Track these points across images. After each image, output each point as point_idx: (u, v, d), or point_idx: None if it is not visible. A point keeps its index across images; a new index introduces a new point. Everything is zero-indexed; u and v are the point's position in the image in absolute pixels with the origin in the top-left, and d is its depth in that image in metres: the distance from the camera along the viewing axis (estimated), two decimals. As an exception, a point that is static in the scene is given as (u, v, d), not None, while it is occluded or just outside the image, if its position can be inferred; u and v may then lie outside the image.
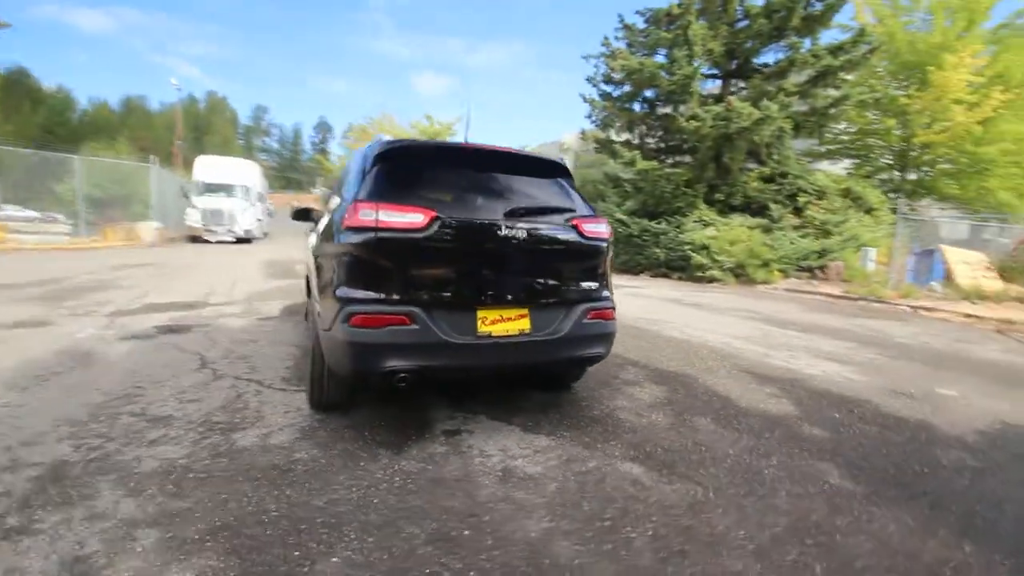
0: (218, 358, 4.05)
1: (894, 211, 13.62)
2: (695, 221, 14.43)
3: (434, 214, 2.49)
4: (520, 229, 2.66)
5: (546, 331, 2.73)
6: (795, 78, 14.86)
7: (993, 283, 11.38)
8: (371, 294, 2.47)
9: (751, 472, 2.55)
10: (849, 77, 13.92)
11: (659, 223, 15.04)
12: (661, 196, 15.54)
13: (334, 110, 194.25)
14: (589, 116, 17.09)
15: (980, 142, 13.56)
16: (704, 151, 14.87)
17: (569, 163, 42.52)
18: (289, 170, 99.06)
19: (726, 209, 15.13)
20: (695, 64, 14.49)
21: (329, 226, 2.83)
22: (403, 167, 2.72)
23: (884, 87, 15.14)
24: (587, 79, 18.07)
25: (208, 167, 19.44)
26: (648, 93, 16.99)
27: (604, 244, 2.98)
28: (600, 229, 2.94)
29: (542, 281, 2.77)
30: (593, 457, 2.63)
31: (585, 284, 2.91)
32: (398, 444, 2.67)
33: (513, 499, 2.20)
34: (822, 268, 13.22)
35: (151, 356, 4.03)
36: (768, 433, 3.07)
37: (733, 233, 13.62)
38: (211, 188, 18.74)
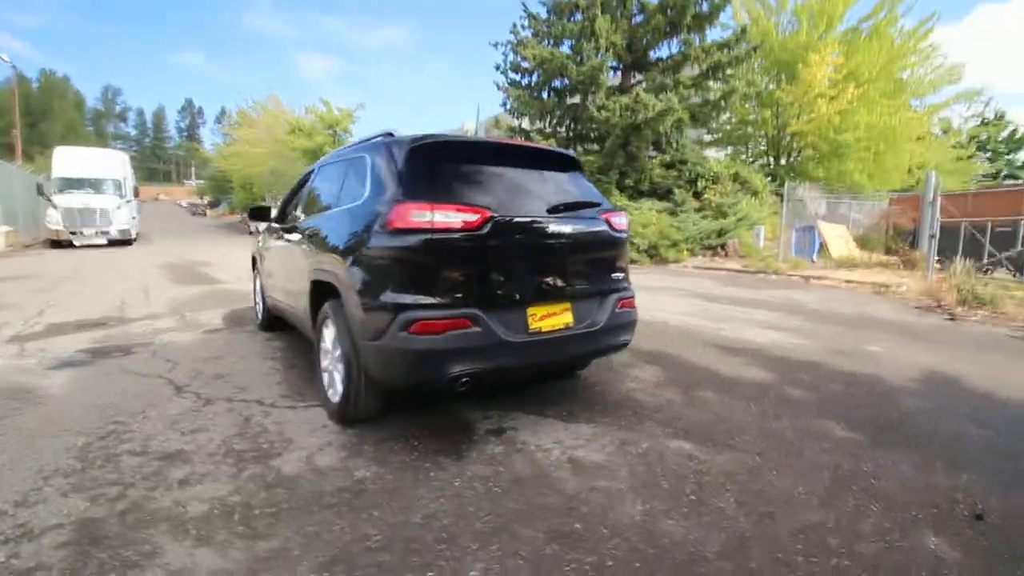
0: (191, 380, 3.60)
1: (777, 193, 15.48)
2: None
3: (488, 213, 2.44)
4: (565, 224, 2.70)
5: (586, 323, 2.81)
6: (688, 72, 16.21)
7: (856, 252, 13.47)
8: (428, 299, 2.38)
9: (775, 435, 2.87)
10: (733, 72, 15.36)
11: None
12: (577, 183, 16.14)
13: (204, 92, 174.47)
14: (504, 104, 17.14)
15: (839, 130, 15.81)
16: (613, 140, 15.66)
17: None
18: (151, 159, 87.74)
19: (635, 194, 16.14)
20: (601, 57, 15.18)
21: (355, 228, 2.63)
22: (437, 163, 2.61)
23: (761, 82, 17.00)
24: (496, 66, 18.23)
25: (69, 160, 16.58)
26: (557, 83, 17.59)
27: (627, 235, 3.12)
28: (624, 221, 3.07)
29: (582, 275, 2.84)
30: (641, 439, 2.78)
31: (614, 275, 3.03)
32: (452, 450, 2.61)
33: (599, 488, 2.28)
34: (722, 246, 14.66)
35: (105, 385, 3.48)
36: (764, 399, 3.44)
37: (644, 217, 14.58)
38: (72, 184, 16.05)
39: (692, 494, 2.24)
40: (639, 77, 17.25)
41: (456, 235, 2.39)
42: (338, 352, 2.82)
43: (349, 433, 2.77)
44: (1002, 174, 26.26)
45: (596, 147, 17.14)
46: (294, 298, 3.62)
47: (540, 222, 2.63)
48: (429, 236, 2.36)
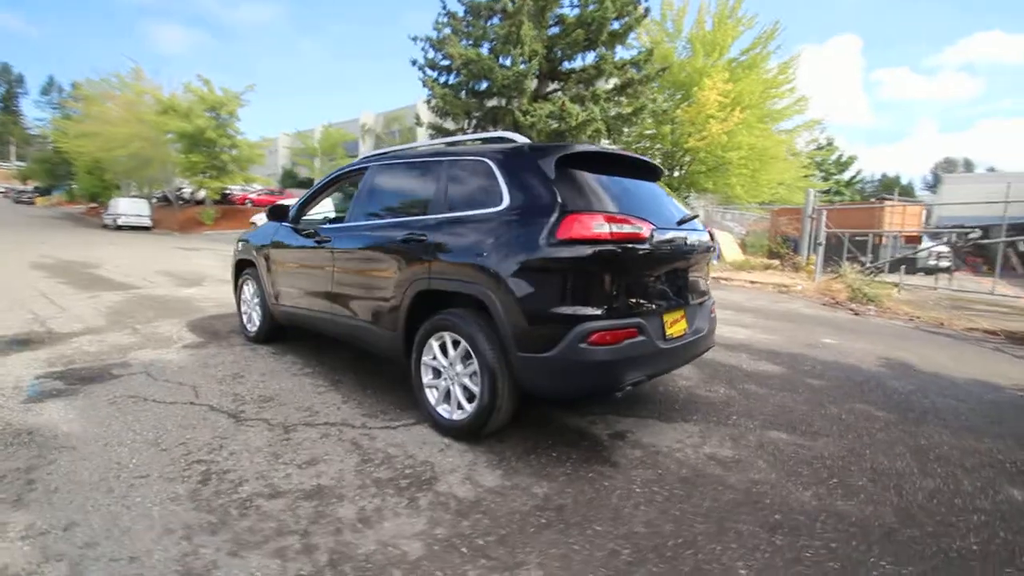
0: (238, 405, 3.12)
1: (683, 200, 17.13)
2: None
3: (652, 225, 2.51)
4: (691, 235, 2.86)
5: (694, 329, 3.00)
6: (600, 85, 17.30)
7: (741, 256, 15.49)
8: (601, 309, 2.38)
9: (838, 420, 3.31)
10: (643, 90, 16.71)
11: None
12: (502, 185, 16.37)
13: (23, 57, 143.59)
14: (428, 101, 16.76)
15: (726, 148, 17.97)
16: (537, 144, 16.13)
17: (370, 146, 41.25)
18: (-59, 133, 70.75)
19: None
20: (526, 64, 15.56)
21: (506, 237, 2.51)
22: (579, 173, 2.61)
23: (663, 100, 18.69)
24: (412, 61, 17.78)
25: None
26: (478, 85, 17.67)
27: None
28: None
29: (693, 283, 3.01)
30: (744, 433, 3.05)
31: (707, 282, 3.26)
32: (598, 457, 2.63)
33: (761, 480, 2.48)
34: (636, 249, 15.88)
35: (132, 417, 2.87)
36: (798, 389, 3.93)
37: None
38: None
39: (834, 476, 2.54)
40: (554, 86, 18.00)
41: (627, 246, 2.42)
42: (464, 368, 2.68)
43: (481, 450, 2.65)
44: (832, 191, 31.87)
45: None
46: (359, 309, 3.31)
47: (679, 233, 2.77)
48: (603, 247, 2.36)
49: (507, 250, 2.49)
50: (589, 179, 2.61)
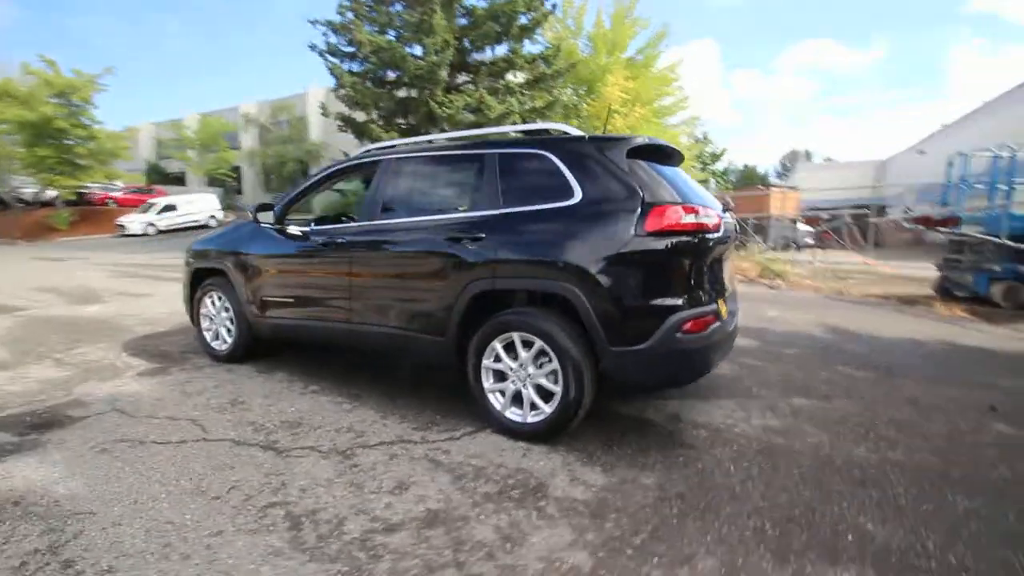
0: (264, 437, 2.72)
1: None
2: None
3: (719, 213, 2.60)
4: (729, 221, 3.00)
5: (732, 311, 3.17)
6: (511, 79, 17.45)
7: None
8: (687, 298, 2.43)
9: (832, 383, 3.72)
10: (555, 84, 17.16)
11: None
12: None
13: None
14: (336, 90, 15.69)
15: (629, 142, 19.14)
16: (454, 137, 15.89)
17: (254, 136, 37.85)
18: None
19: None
20: (440, 55, 15.21)
21: (586, 231, 2.44)
22: (645, 164, 2.62)
23: (571, 95, 19.34)
24: (311, 46, 16.59)
25: None
26: (385, 73, 16.90)
27: None
28: None
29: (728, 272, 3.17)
30: (771, 404, 3.30)
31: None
32: (672, 440, 2.71)
33: (819, 443, 2.71)
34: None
35: (138, 465, 2.38)
36: (779, 359, 4.34)
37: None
38: None
39: (867, 431, 2.86)
40: (464, 78, 17.83)
41: (703, 235, 2.49)
42: (538, 368, 2.59)
43: (562, 450, 2.58)
44: (709, 181, 35.46)
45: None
46: (392, 316, 3.03)
47: (728, 220, 2.90)
48: (686, 237, 2.41)
49: (593, 245, 2.44)
50: (652, 169, 2.64)
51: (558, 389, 2.54)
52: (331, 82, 16.50)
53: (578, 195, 2.55)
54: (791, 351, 4.60)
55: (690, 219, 2.41)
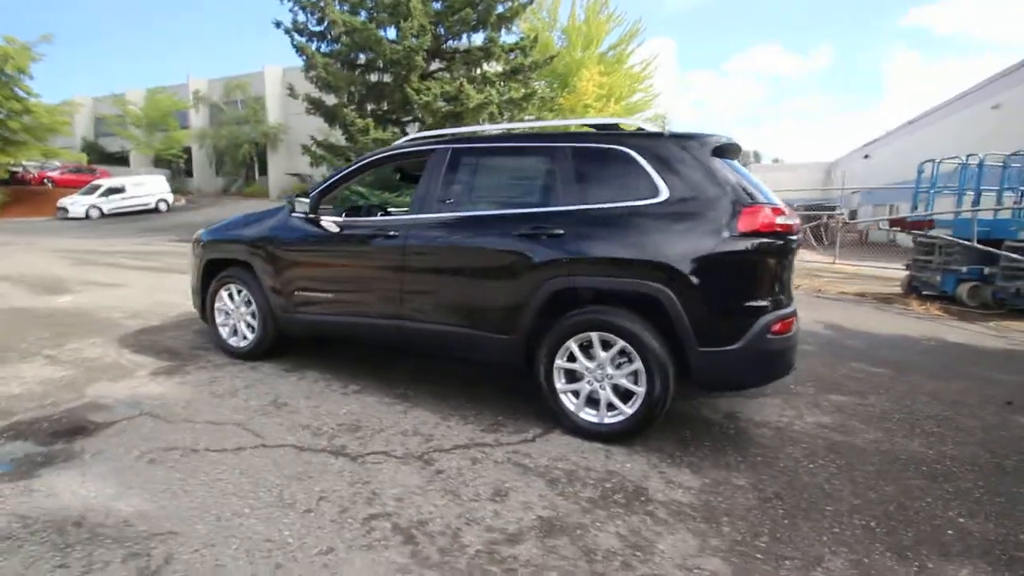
0: (329, 442, 2.56)
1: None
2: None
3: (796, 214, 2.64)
4: None
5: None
6: (487, 68, 17.20)
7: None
8: (773, 300, 2.46)
9: (857, 379, 3.89)
10: (533, 76, 17.07)
11: (399, 195, 15.00)
12: (396, 167, 15.48)
13: None
14: (306, 71, 14.95)
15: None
16: (431, 126, 15.55)
17: (205, 116, 35.94)
18: None
19: (406, 182, 16.40)
20: (418, 40, 14.78)
21: (677, 231, 2.42)
22: (724, 161, 2.61)
23: (546, 88, 19.29)
24: (276, 23, 15.74)
25: None
26: (357, 56, 16.28)
27: None
28: None
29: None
30: (815, 401, 3.41)
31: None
32: (740, 440, 2.74)
33: (875, 439, 2.82)
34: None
35: (201, 476, 2.18)
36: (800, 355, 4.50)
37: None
38: None
39: (912, 427, 3.00)
40: (437, 65, 17.42)
41: (788, 236, 2.52)
42: (617, 369, 2.55)
43: (642, 451, 2.56)
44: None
45: (399, 129, 16.59)
46: (453, 314, 2.91)
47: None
48: (775, 239, 2.43)
49: (684, 244, 2.42)
50: (735, 169, 2.64)
51: (640, 390, 2.51)
52: (291, 61, 15.79)
53: (664, 193, 2.52)
54: (805, 347, 4.77)
55: (780, 220, 2.43)
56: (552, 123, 3.26)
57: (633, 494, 2.18)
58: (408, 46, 14.71)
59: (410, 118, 16.65)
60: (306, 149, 16.50)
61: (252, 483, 2.15)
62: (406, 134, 16.45)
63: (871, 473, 2.45)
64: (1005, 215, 7.49)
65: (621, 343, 2.53)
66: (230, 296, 3.78)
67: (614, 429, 2.58)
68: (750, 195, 2.47)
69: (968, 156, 7.66)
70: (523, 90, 16.79)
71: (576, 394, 2.69)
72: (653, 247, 2.45)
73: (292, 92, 15.60)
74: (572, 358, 2.67)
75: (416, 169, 3.99)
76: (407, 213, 3.14)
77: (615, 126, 2.88)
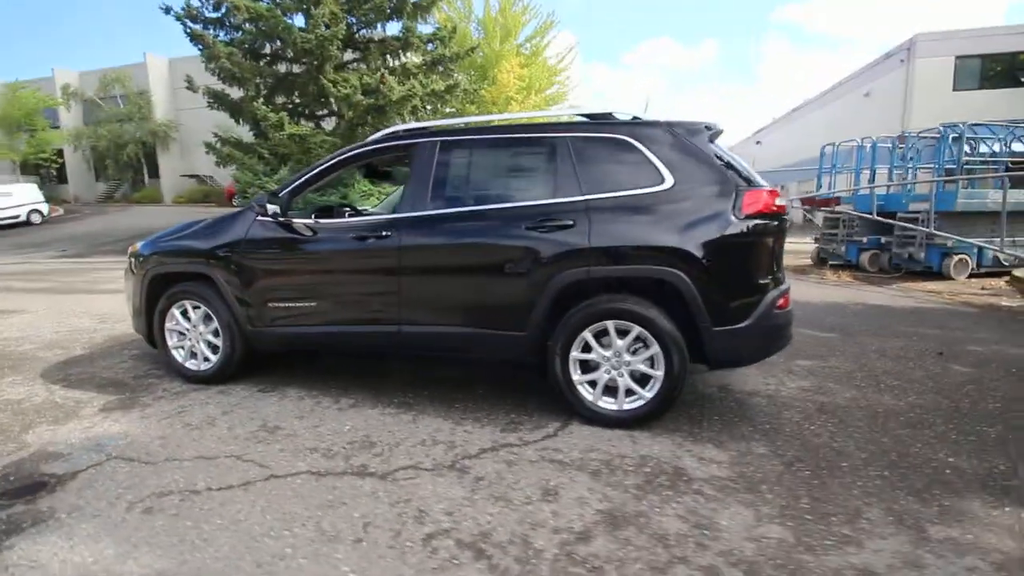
0: (347, 464, 2.36)
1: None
2: (361, 193, 14.50)
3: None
4: None
5: None
6: (408, 60, 16.68)
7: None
8: (773, 277, 2.61)
9: (824, 345, 4.27)
10: (454, 67, 16.79)
11: (322, 194, 14.16)
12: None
13: None
14: (207, 62, 13.60)
15: (526, 129, 19.49)
16: (350, 120, 14.84)
17: (78, 113, 32.25)
18: None
19: (374, 178, 15.78)
20: (331, 28, 13.99)
21: (686, 216, 2.48)
22: (716, 146, 2.72)
23: (467, 81, 19.06)
24: (164, 9, 14.19)
25: None
26: (261, 45, 15.10)
27: None
28: None
29: None
30: (788, 367, 3.69)
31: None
32: (745, 409, 2.90)
33: (853, 397, 3.10)
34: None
35: (217, 520, 1.93)
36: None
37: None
38: None
39: (876, 383, 3.34)
40: (351, 55, 16.63)
41: (783, 216, 2.67)
42: (634, 355, 2.59)
43: (663, 431, 2.64)
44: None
45: (314, 124, 15.67)
46: (457, 315, 2.79)
47: None
48: (774, 219, 2.57)
49: (695, 229, 2.49)
50: (729, 154, 2.76)
51: (658, 373, 2.57)
52: (178, 51, 14.46)
53: (668, 180, 2.57)
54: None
55: (777, 201, 2.58)
56: (542, 113, 3.19)
57: (674, 475, 2.24)
58: (320, 35, 13.88)
59: (325, 112, 15.78)
60: (210, 147, 15.09)
61: (281, 519, 1.94)
62: (322, 129, 15.61)
63: (864, 428, 2.69)
64: (896, 190, 8.54)
65: (637, 329, 2.57)
66: (184, 314, 3.37)
67: (636, 414, 2.63)
68: (747, 179, 2.60)
69: (863, 138, 8.61)
70: (445, 82, 16.51)
71: (592, 384, 2.70)
72: (666, 234, 2.51)
73: (191, 84, 14.14)
74: (586, 348, 2.67)
75: (391, 165, 3.80)
76: (396, 211, 2.96)
77: (609, 115, 2.89)
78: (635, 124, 2.75)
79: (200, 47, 13.59)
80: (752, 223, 2.51)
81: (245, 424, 2.77)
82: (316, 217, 3.20)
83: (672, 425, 2.71)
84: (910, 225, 7.62)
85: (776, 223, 2.61)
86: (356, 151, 3.14)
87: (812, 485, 2.15)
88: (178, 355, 3.42)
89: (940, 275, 7.54)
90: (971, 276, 7.56)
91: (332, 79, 14.35)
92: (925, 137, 8.64)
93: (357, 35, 16.37)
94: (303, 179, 3.17)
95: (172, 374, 3.50)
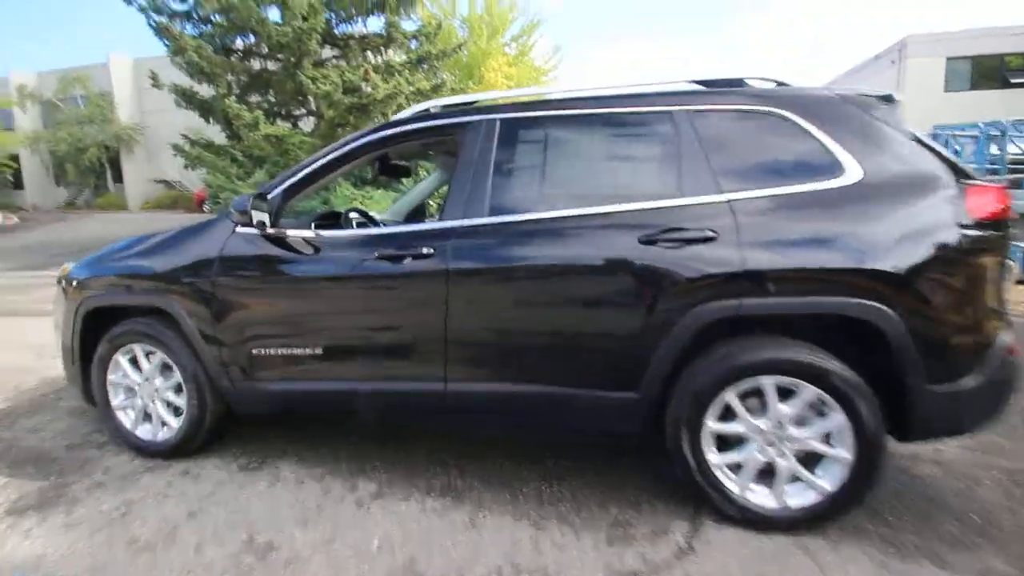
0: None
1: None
2: (343, 198, 13.49)
3: None
4: None
5: None
6: (391, 57, 15.75)
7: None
8: (1002, 312, 1.81)
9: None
10: (440, 66, 15.94)
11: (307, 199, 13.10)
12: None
13: None
14: (174, 56, 12.43)
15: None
16: (331, 119, 13.85)
17: (37, 116, 30.50)
18: None
19: (358, 181, 14.77)
20: (309, 21, 13.00)
21: (897, 222, 1.67)
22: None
23: (455, 79, 18.20)
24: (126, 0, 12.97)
25: None
26: (234, 39, 13.99)
27: None
28: None
29: None
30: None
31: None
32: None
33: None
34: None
35: None
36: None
37: (381, 205, 13.73)
38: None
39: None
40: (329, 51, 15.65)
41: (1008, 225, 1.86)
42: (803, 430, 1.77)
43: (843, 542, 1.82)
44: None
45: (291, 124, 14.60)
46: (536, 368, 1.93)
47: None
48: (1003, 229, 1.77)
49: (903, 243, 1.67)
50: (930, 137, 1.96)
51: (843, 454, 1.74)
52: (143, 51, 13.31)
53: (855, 171, 1.76)
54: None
55: (1004, 203, 1.79)
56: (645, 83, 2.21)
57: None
58: (298, 27, 12.85)
59: (304, 111, 14.70)
60: (179, 149, 13.87)
61: None
62: (300, 129, 14.63)
63: None
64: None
65: (810, 390, 1.75)
66: (133, 362, 2.42)
67: (807, 514, 1.80)
68: (962, 171, 1.81)
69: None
70: (431, 81, 15.60)
71: (736, 467, 1.87)
72: (862, 250, 1.69)
73: (156, 82, 12.94)
74: (729, 415, 1.84)
75: (420, 154, 2.93)
76: (441, 218, 2.07)
77: (740, 81, 2.06)
78: (788, 94, 1.92)
79: (165, 41, 12.40)
80: (981, 233, 1.71)
81: (223, 538, 1.85)
82: (317, 228, 2.30)
83: (850, 524, 1.89)
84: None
85: (1002, 234, 1.82)
86: (379, 134, 2.23)
87: None
88: (126, 418, 2.47)
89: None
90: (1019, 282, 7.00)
91: (311, 76, 13.33)
92: (959, 136, 8.09)
93: (336, 31, 15.42)
94: (302, 174, 2.25)
95: (118, 442, 2.55)
